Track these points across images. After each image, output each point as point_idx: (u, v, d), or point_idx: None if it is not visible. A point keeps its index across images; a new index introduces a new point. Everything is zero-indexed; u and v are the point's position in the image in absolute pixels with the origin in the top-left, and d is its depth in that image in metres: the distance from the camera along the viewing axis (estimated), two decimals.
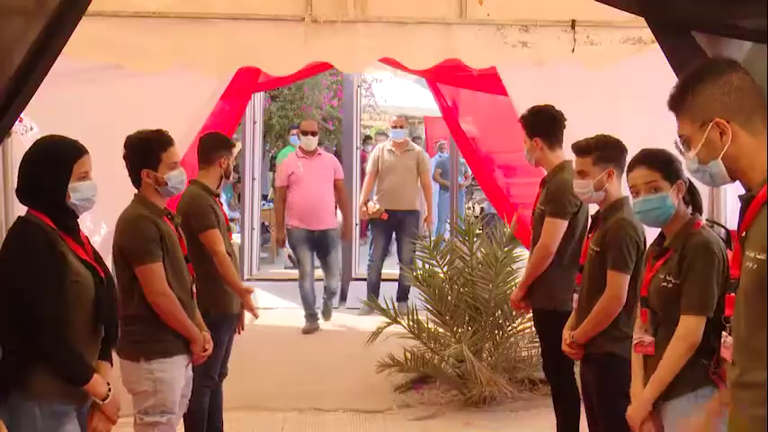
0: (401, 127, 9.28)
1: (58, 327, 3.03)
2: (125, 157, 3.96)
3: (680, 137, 2.37)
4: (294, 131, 12.57)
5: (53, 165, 3.14)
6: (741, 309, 2.17)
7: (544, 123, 4.82)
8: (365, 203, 9.07)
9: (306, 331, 8.26)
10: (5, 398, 2.97)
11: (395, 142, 9.20)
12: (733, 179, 2.32)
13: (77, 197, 3.15)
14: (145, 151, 3.93)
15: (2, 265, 3.04)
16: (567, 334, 4.16)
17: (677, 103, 2.35)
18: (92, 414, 3.21)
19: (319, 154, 8.41)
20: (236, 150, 5.17)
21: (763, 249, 2.08)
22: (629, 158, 3.62)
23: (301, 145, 8.40)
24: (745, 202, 2.21)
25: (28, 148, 3.20)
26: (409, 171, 9.08)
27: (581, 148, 4.11)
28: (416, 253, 6.71)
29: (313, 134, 8.36)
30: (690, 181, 3.28)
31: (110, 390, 3.19)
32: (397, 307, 6.72)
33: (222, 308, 4.79)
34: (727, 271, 3.08)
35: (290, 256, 9.81)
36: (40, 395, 3.01)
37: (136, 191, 4.01)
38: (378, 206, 8.97)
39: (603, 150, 4.05)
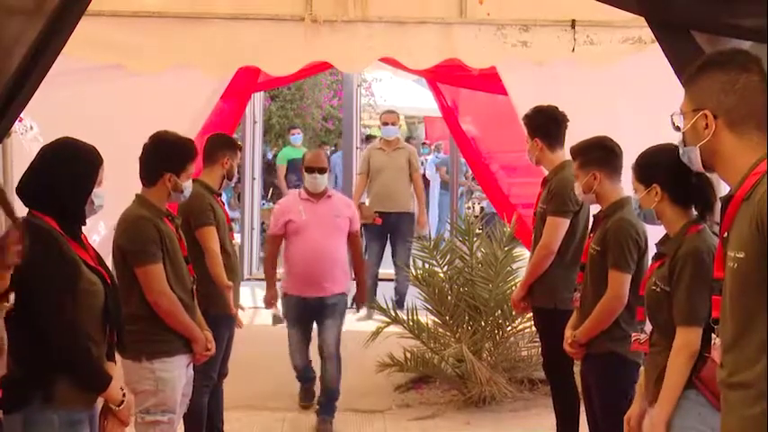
0: (393, 124, 8.78)
1: (78, 336, 3.01)
2: (148, 151, 3.97)
3: (680, 112, 2.38)
4: (294, 131, 12.61)
5: (85, 170, 3.11)
6: (727, 310, 2.17)
7: (544, 124, 4.83)
8: (358, 207, 8.13)
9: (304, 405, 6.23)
10: (25, 406, 2.94)
11: (385, 140, 8.72)
12: (707, 170, 2.37)
13: (97, 203, 3.16)
14: (177, 156, 3.98)
15: (15, 270, 2.95)
16: (568, 333, 4.17)
17: (687, 79, 2.37)
18: (105, 417, 3.20)
19: (329, 196, 5.89)
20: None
21: (742, 248, 2.09)
22: (629, 158, 3.61)
23: (306, 185, 5.88)
24: (725, 203, 2.22)
25: (48, 152, 3.14)
26: (401, 170, 8.65)
27: (571, 153, 4.20)
28: (416, 253, 6.70)
29: (320, 171, 5.80)
30: (703, 186, 3.25)
31: (124, 394, 3.19)
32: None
33: (221, 307, 4.79)
34: None
35: (275, 316, 6.70)
36: (62, 403, 2.99)
37: (135, 191, 4.03)
38: (372, 210, 8.49)
39: (585, 155, 4.11)
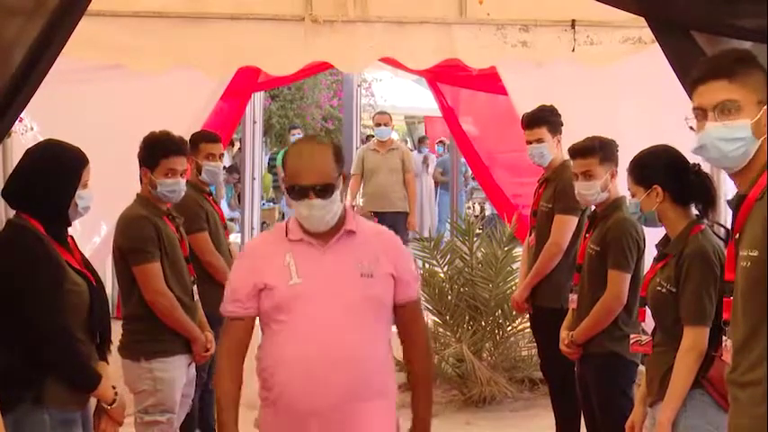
0: (385, 125, 8.92)
1: (64, 335, 3.01)
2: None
3: (717, 103, 2.23)
4: (295, 131, 12.61)
5: (66, 172, 3.10)
6: (738, 309, 2.16)
7: (559, 121, 4.84)
8: (352, 207, 8.07)
9: None
10: (15, 406, 2.94)
11: (378, 141, 8.87)
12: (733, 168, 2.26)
13: (82, 205, 3.14)
14: (148, 151, 3.97)
15: (2, 272, 2.98)
16: (564, 333, 4.16)
17: (730, 67, 2.26)
18: (98, 417, 3.19)
19: (349, 231, 2.88)
20: (213, 148, 5.06)
21: (755, 246, 2.09)
22: (630, 158, 3.60)
23: (299, 218, 2.87)
24: (736, 203, 2.20)
25: (31, 153, 3.15)
26: (394, 171, 8.79)
27: (586, 149, 4.07)
28: (416, 253, 6.69)
29: (322, 193, 2.75)
30: (703, 183, 3.24)
31: (116, 393, 3.19)
32: None
33: (212, 306, 4.76)
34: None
35: None
36: (53, 403, 2.99)
37: (136, 191, 4.03)
38: (367, 210, 8.54)
39: (606, 150, 4.06)
